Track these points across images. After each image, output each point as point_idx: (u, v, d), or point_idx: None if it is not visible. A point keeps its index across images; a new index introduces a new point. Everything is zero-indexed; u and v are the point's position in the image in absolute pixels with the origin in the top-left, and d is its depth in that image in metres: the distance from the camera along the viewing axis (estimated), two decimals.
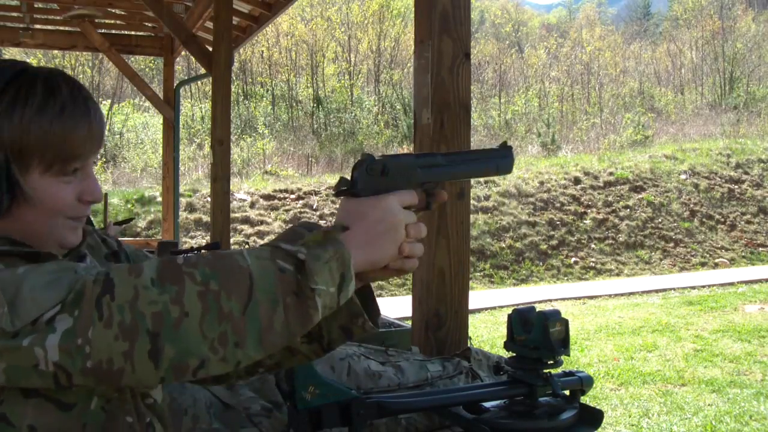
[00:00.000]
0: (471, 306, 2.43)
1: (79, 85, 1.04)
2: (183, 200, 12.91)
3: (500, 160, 1.16)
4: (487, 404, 1.66)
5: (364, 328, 1.02)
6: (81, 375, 0.84)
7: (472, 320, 8.19)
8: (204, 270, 0.85)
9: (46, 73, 1.02)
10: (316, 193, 14.21)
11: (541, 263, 13.39)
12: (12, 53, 21.78)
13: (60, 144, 0.99)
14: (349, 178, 1.03)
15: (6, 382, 0.86)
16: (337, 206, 1.04)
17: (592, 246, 14.11)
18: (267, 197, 13.84)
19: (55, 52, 19.12)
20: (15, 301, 0.84)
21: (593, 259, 13.72)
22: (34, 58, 21.07)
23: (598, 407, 1.68)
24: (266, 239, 12.61)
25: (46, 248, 1.02)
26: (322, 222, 13.27)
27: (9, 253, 0.91)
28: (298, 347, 1.08)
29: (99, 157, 19.04)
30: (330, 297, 0.91)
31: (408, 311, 2.32)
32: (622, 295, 11.06)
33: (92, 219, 3.10)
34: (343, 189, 1.02)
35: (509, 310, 1.60)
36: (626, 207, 15.26)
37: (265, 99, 24.50)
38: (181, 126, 8.98)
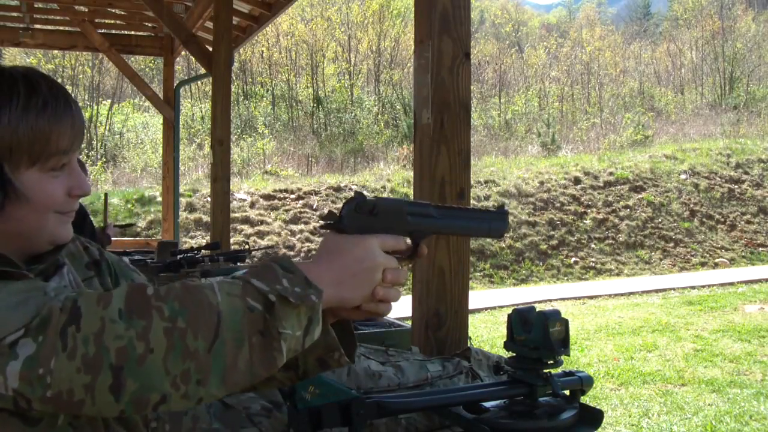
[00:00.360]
0: (471, 306, 2.43)
1: (55, 81, 1.05)
2: (183, 200, 12.90)
3: (494, 222, 1.14)
4: (487, 404, 1.66)
5: (339, 362, 1.02)
6: (40, 402, 0.83)
7: (472, 320, 8.19)
8: (173, 305, 0.85)
9: (23, 72, 1.02)
10: (316, 193, 14.21)
11: (541, 263, 13.39)
12: (12, 53, 21.78)
13: (46, 140, 1.00)
14: (337, 212, 1.02)
15: None
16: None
17: (592, 246, 14.11)
18: (267, 197, 13.84)
19: (55, 52, 19.12)
20: None
21: (593, 259, 13.72)
22: (35, 58, 21.08)
23: (598, 407, 1.68)
24: (266, 239, 12.61)
25: (37, 246, 1.04)
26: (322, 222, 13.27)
27: None
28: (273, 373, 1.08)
29: (99, 157, 19.05)
30: (295, 341, 0.90)
31: (408, 311, 2.32)
32: (622, 295, 11.06)
33: (92, 219, 3.10)
34: (329, 222, 1.01)
35: (509, 310, 1.60)
36: (626, 207, 15.26)
37: (265, 99, 24.50)
38: (181, 126, 8.98)
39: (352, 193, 1.04)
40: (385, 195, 14.35)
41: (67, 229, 1.08)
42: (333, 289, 0.96)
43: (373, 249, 0.99)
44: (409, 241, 1.06)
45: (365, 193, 1.05)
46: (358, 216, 1.01)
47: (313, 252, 12.06)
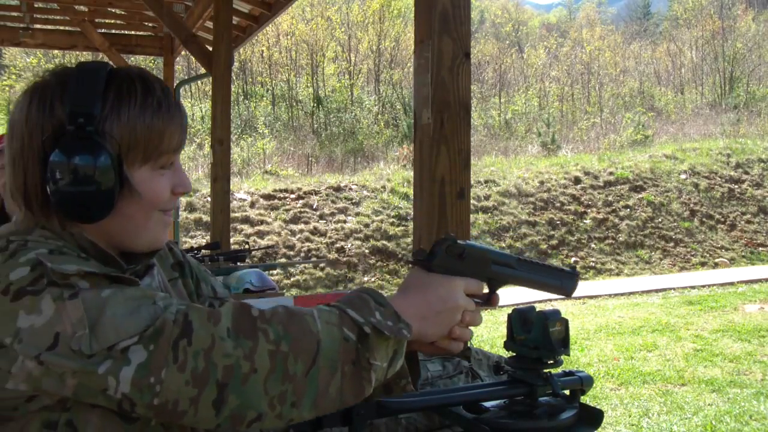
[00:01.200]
0: None
1: (162, 83, 1.09)
2: (183, 200, 12.90)
3: (565, 280, 1.21)
4: (487, 404, 1.66)
5: (404, 389, 1.08)
6: (145, 408, 0.88)
7: None
8: (277, 329, 0.91)
9: (138, 72, 1.06)
10: (316, 192, 14.21)
11: None
12: (12, 53, 21.78)
13: (160, 138, 1.04)
14: (424, 248, 1.08)
15: (72, 396, 0.89)
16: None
17: (592, 246, 14.11)
18: (267, 197, 13.84)
19: (55, 52, 19.11)
20: (96, 326, 0.87)
21: (593, 259, 13.72)
22: (35, 57, 21.07)
23: (598, 407, 1.68)
24: (266, 239, 12.61)
25: (135, 245, 1.07)
26: (322, 222, 13.28)
27: (93, 274, 0.92)
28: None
29: None
30: (381, 371, 0.96)
31: None
32: (622, 294, 11.06)
33: None
34: (419, 259, 1.07)
35: (509, 310, 1.59)
36: (626, 207, 15.26)
37: (265, 99, 24.50)
38: None
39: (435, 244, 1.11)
40: (385, 195, 14.36)
41: (167, 233, 1.12)
42: (416, 324, 1.02)
43: (458, 291, 1.05)
44: (486, 288, 1.12)
45: (451, 234, 1.10)
46: (448, 258, 1.07)
47: (313, 254, 12.01)
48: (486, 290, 1.13)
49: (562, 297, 1.14)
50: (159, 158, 1.05)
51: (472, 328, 1.09)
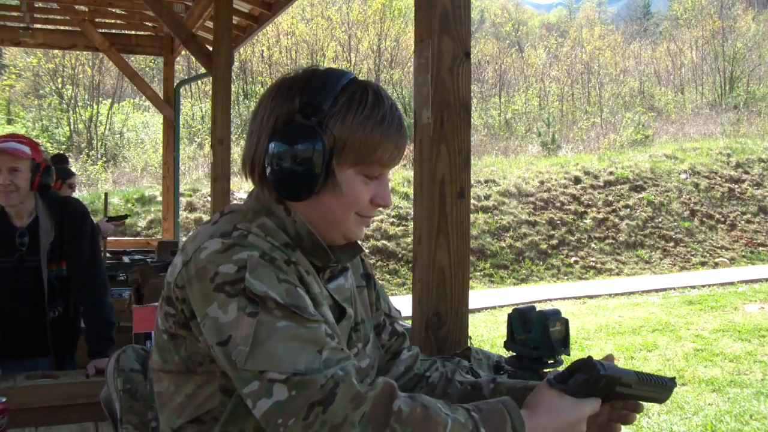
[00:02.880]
0: (471, 305, 2.43)
1: (394, 102, 1.18)
2: (183, 200, 12.91)
3: (665, 391, 1.26)
4: None
5: None
6: None
7: (472, 320, 8.19)
8: (406, 431, 0.96)
9: (374, 86, 1.17)
10: None
11: (541, 263, 13.39)
12: (12, 53, 21.78)
13: (374, 149, 1.13)
14: (564, 372, 1.10)
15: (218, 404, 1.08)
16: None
17: (592, 245, 14.11)
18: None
19: (55, 51, 19.11)
20: (256, 348, 0.97)
21: (593, 259, 13.72)
22: (35, 57, 21.07)
23: None
24: None
25: (332, 237, 1.18)
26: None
27: (277, 303, 1.02)
28: None
29: (99, 156, 19.05)
30: None
31: (408, 311, 2.32)
32: (622, 294, 11.06)
33: (92, 218, 3.09)
34: (558, 384, 1.09)
35: (509, 310, 1.60)
36: (626, 206, 15.26)
37: None
38: (181, 125, 8.98)
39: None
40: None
41: (361, 231, 1.21)
42: None
43: (586, 415, 1.09)
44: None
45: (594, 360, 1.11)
46: (587, 386, 1.09)
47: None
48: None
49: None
50: (368, 167, 1.14)
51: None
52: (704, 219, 15.45)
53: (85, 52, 16.94)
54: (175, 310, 1.09)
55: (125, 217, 5.98)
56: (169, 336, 1.11)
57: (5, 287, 2.76)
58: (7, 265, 2.76)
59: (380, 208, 1.20)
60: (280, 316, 0.99)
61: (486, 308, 9.88)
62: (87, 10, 7.10)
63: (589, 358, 1.10)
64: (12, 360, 2.75)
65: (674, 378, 1.27)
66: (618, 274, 13.35)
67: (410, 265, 2.96)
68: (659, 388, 1.23)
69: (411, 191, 12.61)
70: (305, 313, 1.01)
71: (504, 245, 13.54)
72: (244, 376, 0.97)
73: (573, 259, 13.61)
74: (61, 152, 10.13)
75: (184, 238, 12.03)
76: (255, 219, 1.14)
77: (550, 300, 10.39)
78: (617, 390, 1.14)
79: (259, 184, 1.18)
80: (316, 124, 1.10)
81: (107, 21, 7.63)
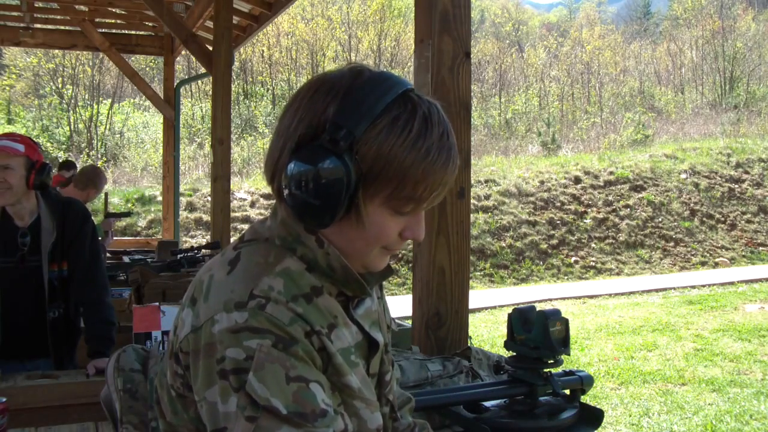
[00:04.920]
0: (471, 305, 2.43)
1: (448, 128, 1.02)
2: (183, 199, 12.90)
3: None
4: (488, 403, 1.66)
5: None
6: None
7: (473, 319, 8.19)
8: None
9: (426, 107, 1.00)
10: None
11: (541, 262, 13.39)
12: (12, 52, 21.77)
13: (412, 185, 0.98)
14: None
15: None
16: None
17: (593, 245, 14.11)
18: (267, 196, 13.83)
19: (56, 51, 19.12)
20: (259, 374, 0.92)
21: (593, 259, 13.71)
22: (35, 57, 21.07)
23: (598, 406, 1.68)
24: None
25: (354, 268, 1.05)
26: None
27: (277, 413, 0.94)
28: None
29: (99, 156, 19.05)
30: None
31: (408, 310, 2.32)
32: (622, 294, 11.06)
33: (93, 219, 3.09)
34: None
35: (509, 310, 1.60)
36: (626, 206, 15.26)
37: (265, 98, 24.49)
38: (181, 125, 8.98)
39: None
40: None
41: (384, 261, 1.09)
42: None
43: None
44: None
45: None
46: None
47: None
48: None
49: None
50: (399, 202, 1.00)
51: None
52: (704, 219, 15.45)
53: (85, 52, 16.94)
54: (182, 371, 1.01)
55: (128, 214, 5.93)
56: (177, 395, 1.04)
57: (6, 287, 2.75)
58: (9, 265, 2.75)
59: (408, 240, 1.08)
60: (282, 422, 0.92)
61: (486, 308, 9.87)
62: (87, 9, 7.10)
63: None
64: (12, 361, 2.75)
65: None
66: (618, 274, 13.34)
67: (410, 265, 2.94)
68: None
69: None
70: (310, 420, 0.93)
71: (504, 245, 13.54)
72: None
73: (573, 259, 13.61)
74: (70, 159, 10.13)
75: (184, 238, 12.06)
76: (279, 260, 1.02)
77: (550, 300, 10.39)
78: None
79: (278, 200, 1.07)
80: (345, 149, 0.95)
81: (107, 21, 7.63)
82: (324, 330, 1.00)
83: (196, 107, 22.34)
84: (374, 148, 0.96)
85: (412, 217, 1.04)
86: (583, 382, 1.72)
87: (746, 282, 11.60)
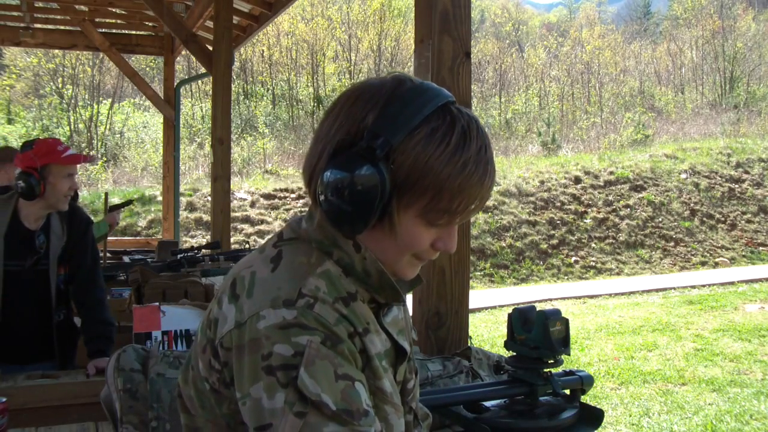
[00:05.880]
0: (471, 305, 2.43)
1: (486, 141, 1.01)
2: (183, 199, 12.90)
3: None
4: (488, 403, 1.66)
5: None
6: None
7: (473, 319, 8.19)
8: None
9: (466, 120, 1.00)
10: None
11: (541, 262, 13.39)
12: (12, 52, 21.77)
13: (448, 198, 0.98)
14: None
15: None
16: None
17: (593, 245, 14.11)
18: (267, 196, 13.84)
19: (56, 51, 19.11)
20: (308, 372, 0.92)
21: (593, 259, 13.71)
22: (35, 57, 21.07)
23: (598, 406, 1.68)
24: (266, 238, 12.60)
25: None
26: None
27: (326, 408, 0.94)
28: None
29: (99, 156, 19.06)
30: None
31: (408, 311, 2.32)
32: (622, 294, 11.06)
33: (92, 218, 3.11)
34: None
35: (509, 310, 1.60)
36: (626, 206, 15.26)
37: (265, 98, 24.49)
38: (181, 125, 8.98)
39: None
40: None
41: (415, 270, 1.11)
42: None
43: None
44: None
45: None
46: None
47: None
48: None
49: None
50: (433, 213, 1.00)
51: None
52: (704, 219, 15.45)
53: (85, 52, 16.95)
54: (220, 367, 1.01)
55: (129, 203, 5.89)
56: (211, 389, 1.03)
57: (14, 291, 2.76)
58: (20, 268, 2.76)
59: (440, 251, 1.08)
60: (329, 419, 0.92)
61: (486, 308, 9.87)
62: (87, 9, 7.10)
63: None
64: (18, 365, 2.75)
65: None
66: (618, 274, 13.34)
67: None
68: None
69: None
70: (356, 418, 0.94)
71: (504, 245, 13.54)
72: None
73: (573, 258, 13.61)
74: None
75: (184, 238, 12.06)
76: (320, 262, 1.02)
77: (550, 300, 10.39)
78: None
79: (314, 204, 1.06)
80: (382, 157, 0.96)
81: (107, 21, 7.63)
82: (362, 330, 1.01)
83: (196, 107, 22.33)
84: (411, 159, 0.96)
85: (444, 229, 1.04)
86: (583, 382, 1.72)
87: (746, 282, 11.60)
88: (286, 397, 0.91)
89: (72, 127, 20.68)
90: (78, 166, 2.82)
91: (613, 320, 8.91)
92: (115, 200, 13.23)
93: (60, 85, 21.51)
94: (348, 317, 0.98)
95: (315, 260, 1.03)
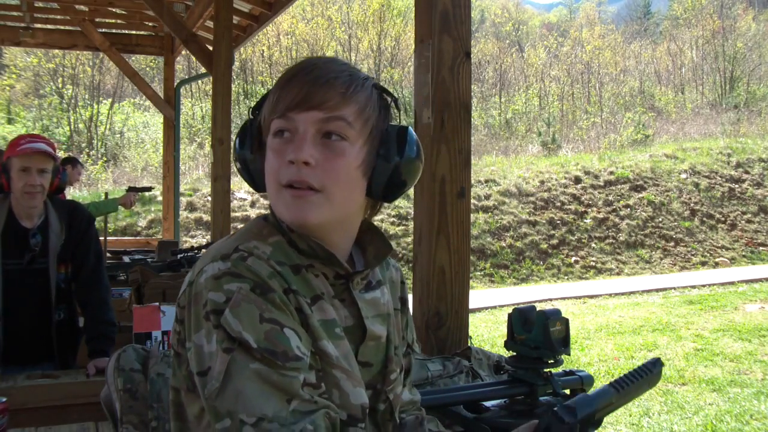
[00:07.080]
0: (471, 305, 2.43)
1: (305, 64, 1.14)
2: (183, 199, 12.90)
3: (657, 375, 1.17)
4: (488, 403, 1.66)
5: None
6: None
7: (473, 319, 8.19)
8: None
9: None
10: None
11: (541, 262, 13.39)
12: (12, 52, 21.78)
13: (273, 103, 1.14)
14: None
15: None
16: None
17: (593, 245, 14.11)
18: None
19: (56, 51, 19.11)
20: (226, 386, 0.95)
21: (593, 259, 13.71)
22: (35, 57, 21.07)
23: None
24: None
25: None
26: None
27: (248, 345, 0.98)
28: None
29: (99, 156, 19.06)
30: None
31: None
32: (622, 294, 11.06)
33: (92, 216, 3.10)
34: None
35: (509, 310, 1.60)
36: (627, 206, 15.26)
37: None
38: (181, 125, 8.98)
39: None
40: None
41: (295, 208, 1.13)
42: None
43: None
44: None
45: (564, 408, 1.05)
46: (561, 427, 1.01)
47: None
48: None
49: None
50: (271, 123, 1.15)
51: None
52: (704, 219, 15.45)
53: (85, 52, 16.95)
54: (179, 328, 1.07)
55: (149, 188, 5.91)
56: (174, 353, 1.09)
57: (13, 290, 2.74)
58: (17, 266, 2.74)
59: (302, 167, 1.06)
60: (254, 357, 0.96)
61: (486, 308, 9.87)
62: (87, 9, 7.10)
63: (554, 412, 1.01)
64: (17, 365, 2.74)
65: (658, 359, 1.19)
66: (618, 274, 13.34)
67: (410, 265, 2.95)
68: (644, 381, 1.15)
69: (411, 191, 12.60)
70: (281, 359, 0.97)
71: (504, 245, 13.54)
72: (216, 411, 0.95)
73: (573, 258, 13.61)
74: (72, 155, 10.12)
75: (184, 238, 12.05)
76: (272, 234, 1.10)
77: (550, 300, 10.39)
78: (600, 415, 1.07)
79: None
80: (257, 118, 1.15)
81: (107, 21, 7.63)
82: (306, 299, 1.05)
83: (196, 107, 22.34)
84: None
85: (281, 139, 1.10)
86: (584, 382, 1.72)
87: (746, 282, 11.60)
88: (217, 337, 0.96)
89: (72, 127, 20.68)
90: (43, 161, 2.70)
91: (613, 320, 8.91)
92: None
93: (60, 85, 21.51)
94: (283, 275, 1.03)
95: (267, 232, 1.11)
